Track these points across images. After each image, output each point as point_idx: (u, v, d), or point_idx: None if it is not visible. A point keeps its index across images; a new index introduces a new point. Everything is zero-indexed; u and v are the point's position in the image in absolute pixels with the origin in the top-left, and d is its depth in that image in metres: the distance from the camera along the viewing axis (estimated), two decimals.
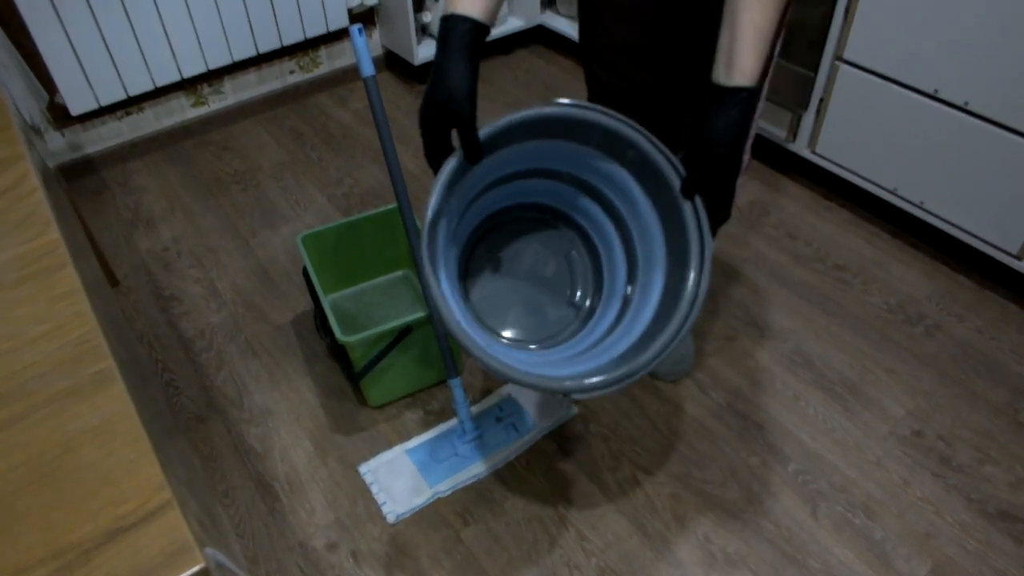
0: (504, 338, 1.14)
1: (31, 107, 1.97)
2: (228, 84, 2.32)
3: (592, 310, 1.16)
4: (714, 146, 0.86)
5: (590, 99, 1.32)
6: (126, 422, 0.66)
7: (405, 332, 1.35)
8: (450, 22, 0.88)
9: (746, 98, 0.83)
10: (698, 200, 0.96)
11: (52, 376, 0.71)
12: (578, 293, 1.17)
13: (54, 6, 1.82)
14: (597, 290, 1.17)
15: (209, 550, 0.62)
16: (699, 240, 0.98)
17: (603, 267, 1.16)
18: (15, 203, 0.91)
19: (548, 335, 1.16)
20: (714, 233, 1.46)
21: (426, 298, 1.03)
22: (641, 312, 1.06)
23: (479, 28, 0.88)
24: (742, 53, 0.80)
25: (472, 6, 0.87)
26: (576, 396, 0.96)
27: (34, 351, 0.73)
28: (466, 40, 0.87)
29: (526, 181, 1.10)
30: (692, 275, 0.98)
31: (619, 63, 1.18)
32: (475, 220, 1.12)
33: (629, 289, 1.11)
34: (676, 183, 0.97)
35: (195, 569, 0.56)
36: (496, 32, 2.54)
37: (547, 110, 0.95)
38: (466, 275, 1.15)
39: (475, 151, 0.90)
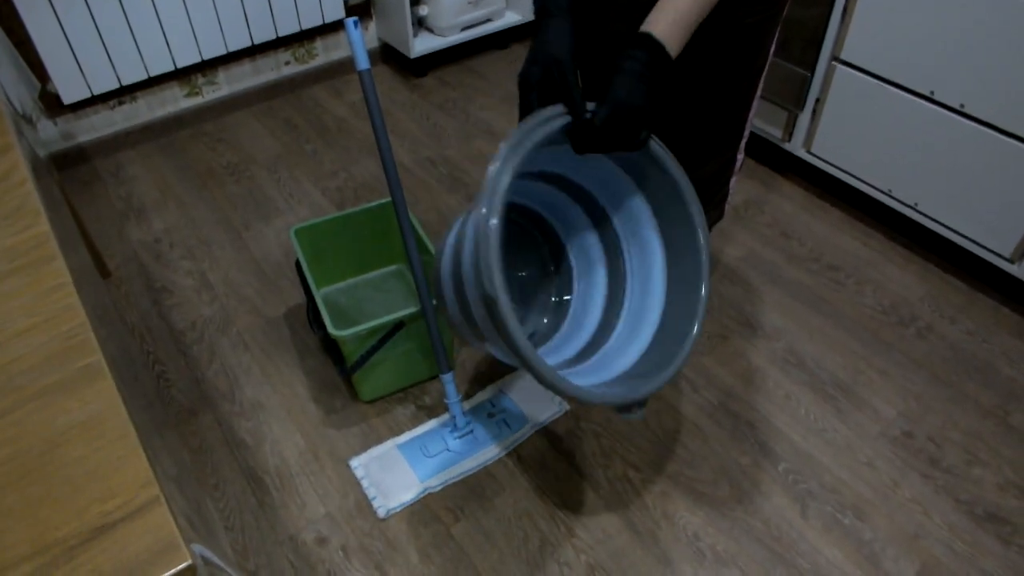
0: None
1: (23, 95, 1.96)
2: (222, 74, 2.30)
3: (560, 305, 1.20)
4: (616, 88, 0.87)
5: (584, 97, 1.31)
6: (114, 417, 0.66)
7: (398, 327, 1.35)
8: None
9: (651, 48, 0.87)
10: (680, 170, 0.98)
11: (40, 370, 0.70)
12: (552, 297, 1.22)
13: None
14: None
15: (196, 547, 0.62)
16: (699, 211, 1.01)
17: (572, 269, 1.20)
18: (4, 194, 0.90)
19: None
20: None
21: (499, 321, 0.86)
22: (643, 313, 1.07)
23: None
24: (662, 11, 0.89)
25: None
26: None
27: (23, 344, 0.72)
28: (566, 3, 0.91)
29: (533, 183, 1.11)
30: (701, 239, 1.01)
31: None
32: None
33: (628, 293, 1.12)
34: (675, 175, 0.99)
35: (182, 566, 0.55)
36: (492, 26, 2.53)
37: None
38: None
39: (580, 113, 0.89)
